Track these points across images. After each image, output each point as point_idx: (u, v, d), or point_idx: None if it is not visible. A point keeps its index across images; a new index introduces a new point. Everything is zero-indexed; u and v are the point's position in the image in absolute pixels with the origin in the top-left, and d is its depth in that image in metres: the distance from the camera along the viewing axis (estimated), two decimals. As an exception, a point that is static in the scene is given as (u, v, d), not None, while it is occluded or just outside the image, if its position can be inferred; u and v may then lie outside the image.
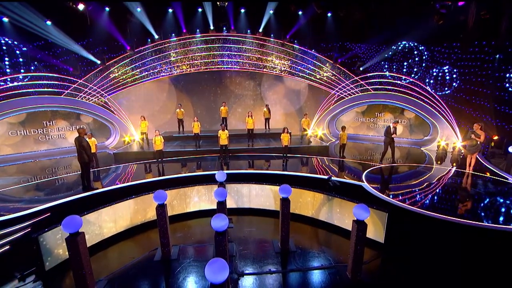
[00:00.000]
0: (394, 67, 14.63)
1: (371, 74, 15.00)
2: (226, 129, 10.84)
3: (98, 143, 11.53)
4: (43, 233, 4.90)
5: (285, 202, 5.55)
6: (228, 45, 15.29)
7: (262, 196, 7.44)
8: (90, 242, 5.50)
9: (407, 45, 14.10)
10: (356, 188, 7.61)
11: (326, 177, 7.82)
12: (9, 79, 11.89)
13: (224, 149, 10.70)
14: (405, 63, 14.32)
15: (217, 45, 15.19)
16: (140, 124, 12.66)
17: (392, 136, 9.99)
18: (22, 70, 12.16)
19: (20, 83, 12.16)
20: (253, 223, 7.02)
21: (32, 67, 12.43)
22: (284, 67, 15.81)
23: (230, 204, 7.33)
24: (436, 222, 5.71)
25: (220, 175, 6.45)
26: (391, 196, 6.92)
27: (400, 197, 7.01)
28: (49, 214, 6.08)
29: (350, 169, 9.76)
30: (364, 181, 8.03)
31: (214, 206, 7.13)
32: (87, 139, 7.79)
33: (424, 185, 8.22)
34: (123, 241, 6.14)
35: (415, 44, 13.87)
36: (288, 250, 5.66)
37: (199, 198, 7.38)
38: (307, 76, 15.88)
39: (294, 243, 5.86)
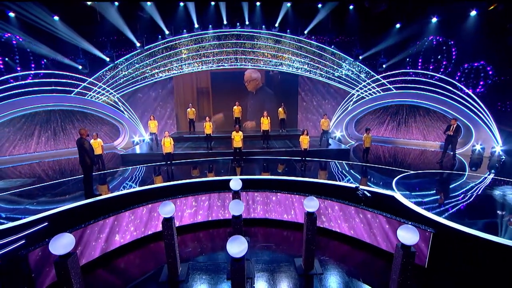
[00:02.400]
0: (420, 61, 13.41)
1: (395, 71, 13.91)
2: (240, 130, 10.11)
3: (106, 144, 11.04)
4: (34, 249, 4.27)
5: (311, 217, 4.73)
6: (242, 41, 14.52)
7: (280, 206, 6.64)
8: (86, 258, 4.86)
9: (434, 39, 12.88)
10: (387, 199, 6.71)
11: (353, 186, 6.96)
12: (19, 77, 11.58)
13: (238, 151, 9.96)
14: (432, 59, 13.10)
15: (230, 41, 14.45)
16: (149, 124, 12.10)
17: (445, 133, 10.05)
18: (31, 63, 11.78)
19: (28, 81, 11.81)
20: (270, 236, 6.23)
21: (42, 69, 12.05)
22: (301, 65, 14.93)
23: (245, 213, 6.56)
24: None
25: (235, 183, 5.71)
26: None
27: (443, 210, 6.07)
28: (46, 224, 5.49)
29: (378, 176, 8.82)
30: (396, 190, 7.12)
31: (227, 216, 6.43)
32: (91, 140, 7.23)
33: (472, 196, 7.15)
34: (125, 255, 5.46)
35: (445, 39, 12.63)
36: (313, 272, 4.84)
37: (211, 207, 6.65)
38: (325, 74, 14.94)
39: (320, 263, 5.04)
